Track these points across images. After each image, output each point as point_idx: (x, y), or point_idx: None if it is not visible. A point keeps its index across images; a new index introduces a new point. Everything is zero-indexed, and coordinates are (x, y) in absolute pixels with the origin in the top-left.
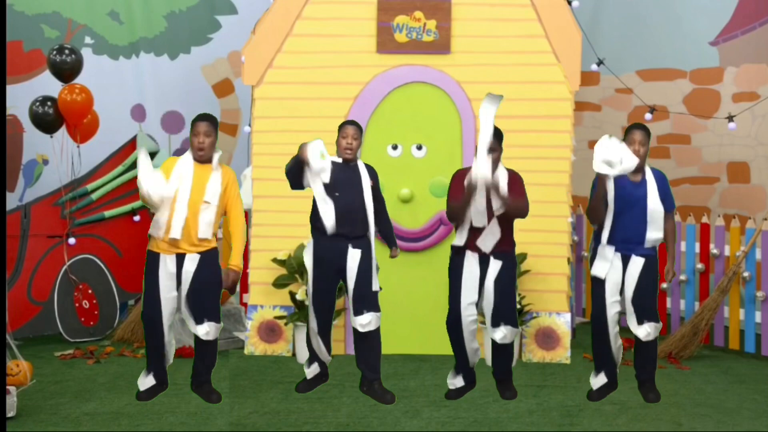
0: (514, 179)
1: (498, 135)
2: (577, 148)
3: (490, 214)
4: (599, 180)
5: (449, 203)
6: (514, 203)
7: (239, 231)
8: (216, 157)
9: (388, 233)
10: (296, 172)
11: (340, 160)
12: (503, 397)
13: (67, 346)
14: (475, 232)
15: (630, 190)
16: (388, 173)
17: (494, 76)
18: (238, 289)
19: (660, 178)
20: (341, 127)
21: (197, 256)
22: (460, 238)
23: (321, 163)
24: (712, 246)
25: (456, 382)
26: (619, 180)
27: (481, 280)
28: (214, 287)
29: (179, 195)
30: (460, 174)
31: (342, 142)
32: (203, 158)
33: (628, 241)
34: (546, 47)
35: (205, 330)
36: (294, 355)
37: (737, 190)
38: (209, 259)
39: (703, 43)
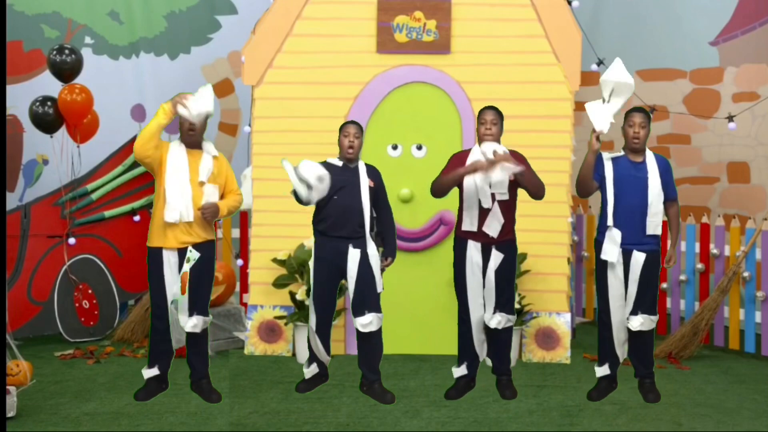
0: (521, 160)
1: (499, 114)
2: (577, 148)
3: (493, 196)
4: (589, 151)
5: (438, 177)
6: (534, 180)
7: (236, 197)
8: (206, 145)
9: (387, 238)
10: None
11: (340, 163)
12: (503, 397)
13: (67, 346)
14: (480, 217)
15: (630, 170)
16: (388, 173)
17: (494, 76)
18: (237, 288)
19: (662, 162)
20: (342, 127)
21: (197, 254)
22: (467, 222)
23: (321, 182)
24: (712, 246)
25: (460, 370)
26: (620, 160)
27: (483, 269)
28: (207, 282)
29: (181, 176)
30: (459, 155)
31: (344, 141)
32: (193, 141)
33: (629, 225)
34: (546, 47)
35: (193, 323)
36: (294, 355)
37: (737, 190)
38: (207, 254)
39: (703, 43)
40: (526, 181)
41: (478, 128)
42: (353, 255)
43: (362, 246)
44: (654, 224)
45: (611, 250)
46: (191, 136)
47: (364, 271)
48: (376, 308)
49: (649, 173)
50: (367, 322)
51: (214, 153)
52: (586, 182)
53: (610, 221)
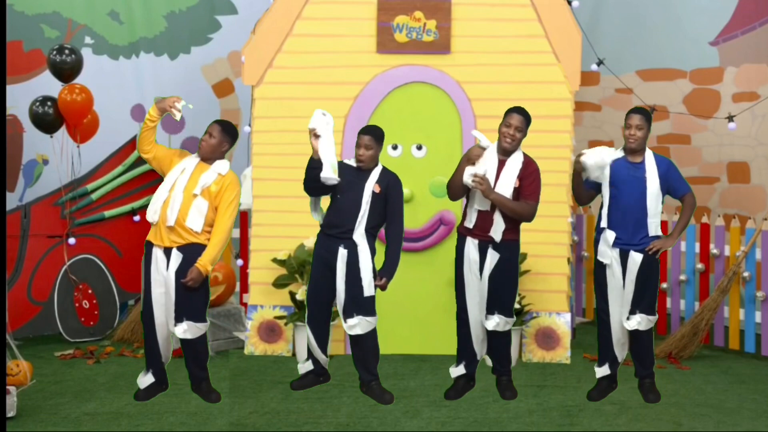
0: (528, 173)
1: (526, 115)
2: (577, 148)
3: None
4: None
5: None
6: (514, 208)
7: (218, 233)
8: (220, 163)
9: (388, 256)
10: (313, 175)
11: (355, 165)
12: (503, 397)
13: (67, 346)
14: (480, 217)
15: (629, 171)
16: None
17: (494, 76)
18: (237, 288)
19: (663, 163)
20: (358, 135)
21: (180, 255)
22: (467, 220)
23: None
24: (712, 246)
25: (457, 370)
26: (618, 161)
27: (480, 268)
28: (199, 286)
29: (177, 183)
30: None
31: (356, 151)
32: (203, 156)
33: (626, 225)
34: (546, 47)
35: (183, 329)
36: (294, 355)
37: (737, 190)
38: (193, 258)
39: (703, 43)
40: (499, 204)
41: (500, 127)
42: (342, 255)
43: (350, 247)
44: (654, 225)
45: (605, 251)
46: (202, 149)
47: (351, 273)
48: (366, 311)
49: (648, 173)
50: (352, 324)
51: (221, 171)
52: (579, 191)
53: (604, 222)
